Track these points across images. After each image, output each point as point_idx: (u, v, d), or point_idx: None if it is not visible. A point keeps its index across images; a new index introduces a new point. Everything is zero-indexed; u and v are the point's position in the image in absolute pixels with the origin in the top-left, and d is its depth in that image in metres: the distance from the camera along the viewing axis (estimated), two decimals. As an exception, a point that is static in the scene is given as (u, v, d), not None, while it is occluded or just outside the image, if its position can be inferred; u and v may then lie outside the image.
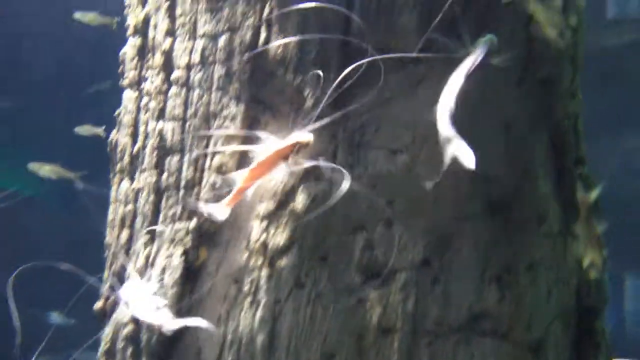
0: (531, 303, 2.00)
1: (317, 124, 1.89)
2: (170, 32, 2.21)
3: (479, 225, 1.99)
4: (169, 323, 1.88)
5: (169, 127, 2.16)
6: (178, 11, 2.20)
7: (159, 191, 2.15)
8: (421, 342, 1.90)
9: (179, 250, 2.05)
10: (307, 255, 1.93)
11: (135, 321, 2.09)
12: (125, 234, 2.23)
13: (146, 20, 2.32)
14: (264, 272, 1.95)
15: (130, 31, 2.39)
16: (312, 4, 1.96)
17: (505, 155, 2.08)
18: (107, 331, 2.19)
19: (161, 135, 2.17)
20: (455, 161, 1.78)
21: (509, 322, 1.94)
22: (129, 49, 2.37)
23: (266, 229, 1.97)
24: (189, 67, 2.15)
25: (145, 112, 2.26)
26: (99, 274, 2.30)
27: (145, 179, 2.19)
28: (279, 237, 1.96)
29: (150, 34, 2.29)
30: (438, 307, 1.91)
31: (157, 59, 2.24)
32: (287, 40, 2.02)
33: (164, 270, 2.06)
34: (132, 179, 2.28)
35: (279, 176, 1.99)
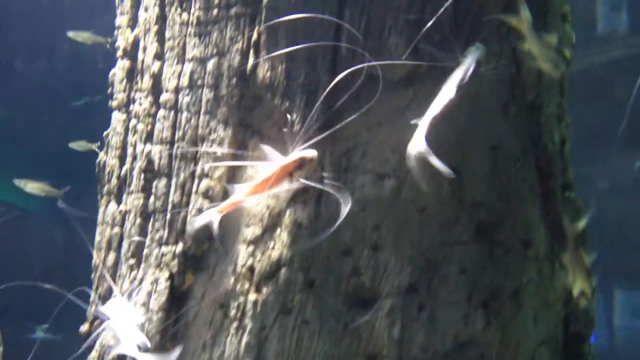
0: (518, 329, 1.99)
1: (304, 147, 1.89)
2: (159, 56, 2.21)
3: (465, 251, 1.98)
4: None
5: (156, 150, 2.16)
6: (167, 35, 2.20)
7: (145, 214, 2.15)
8: (408, 368, 1.89)
9: (165, 275, 2.05)
10: (293, 281, 1.93)
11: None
12: (111, 256, 2.23)
13: (135, 43, 2.33)
14: (250, 298, 1.94)
15: (119, 53, 2.39)
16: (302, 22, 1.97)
17: (492, 179, 2.08)
18: (93, 355, 2.17)
19: (149, 158, 2.17)
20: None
21: (496, 349, 1.94)
22: (118, 71, 2.38)
23: (253, 254, 1.97)
24: (177, 90, 2.16)
25: (134, 135, 2.26)
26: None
27: (132, 201, 2.19)
28: (266, 262, 1.95)
29: (140, 56, 2.30)
30: (424, 334, 1.91)
31: (146, 81, 2.24)
32: (283, 51, 2.03)
33: (149, 295, 2.05)
34: (119, 201, 2.27)
35: (266, 200, 1.99)
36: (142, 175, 2.17)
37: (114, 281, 2.15)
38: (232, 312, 1.94)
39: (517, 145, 2.17)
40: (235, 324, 1.93)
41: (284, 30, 2.04)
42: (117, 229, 2.23)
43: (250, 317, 1.92)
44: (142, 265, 2.10)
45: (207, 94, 2.11)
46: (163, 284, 2.04)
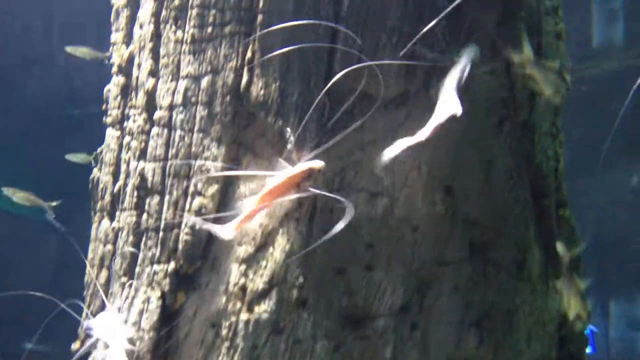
0: (510, 349, 1.99)
1: (310, 158, 1.89)
2: (154, 73, 2.21)
3: (458, 269, 1.98)
4: None
5: (150, 168, 2.16)
6: (162, 52, 2.20)
7: (138, 232, 2.14)
8: (400, 388, 1.88)
9: (157, 294, 2.04)
10: (286, 300, 1.92)
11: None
12: (104, 274, 2.22)
13: (130, 60, 2.33)
14: (242, 317, 1.93)
15: (114, 69, 2.39)
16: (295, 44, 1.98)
17: (486, 198, 2.09)
18: (84, 372, 2.16)
19: (142, 175, 2.17)
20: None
21: (489, 369, 1.93)
22: (113, 88, 2.38)
23: (245, 273, 1.96)
24: (171, 107, 2.15)
25: (127, 151, 2.26)
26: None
27: (125, 219, 2.18)
28: (258, 281, 1.95)
29: (134, 73, 2.29)
30: (417, 353, 1.90)
31: (140, 98, 2.24)
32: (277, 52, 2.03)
33: (141, 313, 2.04)
34: (112, 218, 2.26)
35: (260, 219, 1.98)
36: (135, 193, 2.16)
37: (107, 299, 2.14)
38: (224, 332, 1.93)
39: (511, 164, 2.17)
40: (226, 344, 1.92)
41: (278, 48, 2.04)
42: (109, 246, 2.22)
43: (242, 336, 1.91)
44: (134, 284, 2.09)
45: (200, 111, 2.11)
46: (155, 303, 2.03)
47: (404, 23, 2.02)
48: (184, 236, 2.05)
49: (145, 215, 2.14)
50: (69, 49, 4.14)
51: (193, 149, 2.11)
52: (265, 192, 1.89)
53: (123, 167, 2.26)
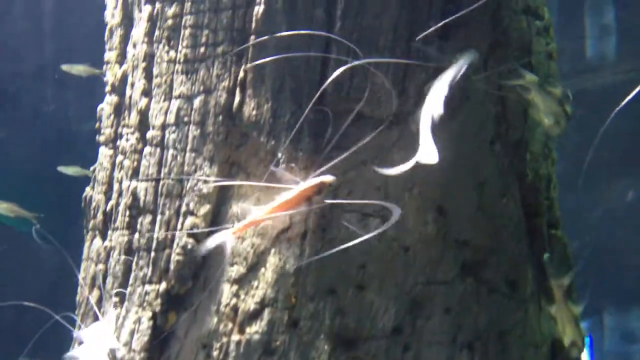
0: (503, 370, 1.99)
1: (319, 172, 1.90)
2: (147, 92, 2.22)
3: (450, 290, 1.98)
4: None
5: (142, 187, 2.16)
6: (155, 71, 2.21)
7: (130, 251, 2.14)
8: (392, 410, 1.88)
9: (148, 314, 2.03)
10: (277, 321, 1.92)
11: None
12: (95, 293, 2.21)
13: (123, 79, 2.33)
14: (234, 338, 1.93)
15: (107, 88, 2.40)
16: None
17: (478, 217, 2.09)
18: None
19: (134, 194, 2.17)
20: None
21: (480, 391, 1.93)
22: (106, 106, 2.38)
23: (236, 293, 1.96)
24: (164, 127, 2.16)
25: (120, 170, 2.26)
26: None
27: (117, 238, 2.18)
28: (250, 301, 1.95)
29: (127, 92, 2.30)
30: (409, 375, 1.90)
31: (133, 117, 2.25)
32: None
33: (132, 334, 2.03)
34: (104, 237, 2.26)
35: (251, 239, 1.99)
36: (128, 212, 2.17)
37: (98, 320, 2.14)
38: (215, 353, 1.93)
39: (503, 183, 2.18)
40: (218, 365, 1.92)
41: (270, 69, 2.06)
42: (101, 266, 2.22)
43: (234, 357, 1.91)
44: (126, 304, 2.09)
45: (193, 131, 2.12)
46: (146, 324, 2.02)
47: (396, 44, 2.04)
48: (175, 256, 2.05)
49: (137, 235, 2.14)
50: (64, 67, 4.15)
51: (185, 168, 2.11)
52: (276, 205, 1.90)
53: (115, 186, 2.26)
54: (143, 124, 2.21)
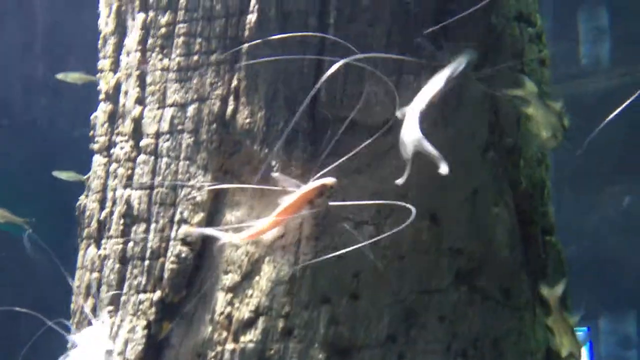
0: (498, 377, 1.99)
1: (319, 175, 1.89)
2: (140, 100, 2.22)
3: (444, 298, 1.98)
4: None
5: (136, 195, 2.16)
6: (148, 79, 2.21)
7: (124, 260, 2.13)
8: (387, 419, 1.88)
9: (142, 323, 2.03)
10: (272, 329, 1.92)
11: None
12: (90, 302, 2.20)
13: (117, 87, 2.33)
14: (228, 347, 1.92)
15: (101, 96, 2.40)
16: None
17: (471, 225, 2.09)
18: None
19: (128, 203, 2.16)
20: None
21: (475, 399, 1.93)
22: (100, 114, 2.38)
23: (231, 302, 1.96)
24: (157, 135, 2.16)
25: (114, 179, 2.25)
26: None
27: (111, 246, 2.18)
28: (244, 309, 1.94)
29: (121, 100, 2.30)
30: (404, 383, 1.90)
31: (127, 125, 2.24)
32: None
33: (126, 343, 2.03)
34: (98, 246, 2.26)
35: (245, 247, 1.98)
36: (122, 220, 2.16)
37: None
38: (210, 362, 1.92)
39: (497, 190, 2.18)
40: (212, 374, 1.92)
41: (264, 77, 2.06)
42: (95, 274, 2.21)
43: (228, 366, 1.90)
44: (120, 313, 2.09)
45: (187, 139, 2.12)
46: (140, 333, 2.02)
47: (389, 51, 2.04)
48: (169, 264, 2.04)
49: (131, 243, 2.13)
50: (59, 76, 4.15)
51: (179, 176, 2.11)
52: (281, 210, 1.90)
53: (110, 194, 2.26)
54: (137, 132, 2.21)
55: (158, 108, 2.17)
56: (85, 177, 2.43)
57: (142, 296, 2.06)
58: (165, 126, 2.15)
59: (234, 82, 2.08)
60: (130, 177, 2.20)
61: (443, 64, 1.98)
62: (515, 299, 2.10)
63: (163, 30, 2.18)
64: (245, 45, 2.06)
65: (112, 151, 2.30)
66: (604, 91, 6.34)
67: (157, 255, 2.07)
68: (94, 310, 2.20)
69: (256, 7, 2.05)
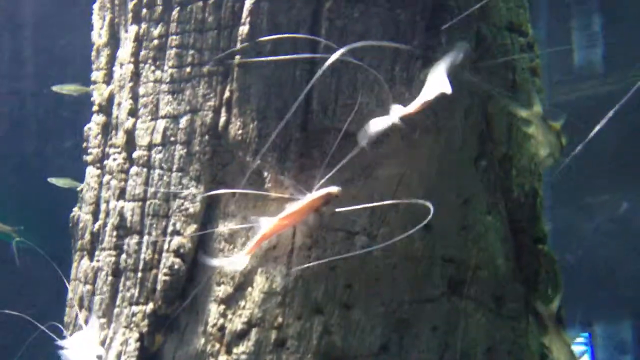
0: (491, 387, 1.99)
1: (318, 191, 1.90)
2: (133, 112, 2.22)
3: (437, 308, 1.99)
4: None
5: (129, 207, 2.16)
6: (141, 91, 2.22)
7: (117, 272, 2.13)
8: None
9: (135, 335, 2.03)
10: (265, 341, 1.92)
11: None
12: (83, 314, 2.21)
13: (110, 99, 2.34)
14: (221, 359, 1.92)
15: (95, 108, 2.40)
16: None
17: (464, 234, 2.10)
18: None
19: (121, 214, 2.17)
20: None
21: (468, 408, 1.93)
22: (93, 126, 2.39)
23: (224, 313, 1.96)
24: (150, 147, 2.16)
25: (107, 190, 2.26)
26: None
27: (104, 258, 2.18)
28: (237, 321, 1.94)
29: (114, 112, 2.31)
30: (397, 393, 1.90)
31: (120, 137, 2.25)
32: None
33: (119, 356, 2.03)
34: (92, 258, 2.26)
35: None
36: (115, 232, 2.16)
37: (85, 340, 2.13)
38: (203, 374, 1.92)
39: (489, 199, 2.19)
40: (205, 386, 1.92)
41: (256, 88, 2.06)
42: (89, 286, 2.21)
43: (221, 378, 1.90)
44: (113, 325, 2.09)
45: (179, 150, 2.12)
46: (133, 345, 2.02)
47: (381, 63, 2.05)
48: (162, 276, 2.04)
49: (124, 255, 2.13)
50: (55, 88, 4.15)
51: (172, 188, 2.11)
52: (284, 216, 1.91)
53: (103, 206, 2.26)
54: (130, 144, 2.22)
55: (151, 120, 2.18)
56: (79, 188, 2.43)
57: (134, 308, 2.06)
58: (158, 138, 2.15)
59: (226, 94, 2.09)
60: (123, 189, 2.20)
61: (437, 58, 1.99)
62: (508, 308, 2.10)
63: (155, 42, 2.18)
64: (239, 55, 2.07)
65: (105, 163, 2.31)
66: (599, 97, 6.36)
67: (150, 267, 2.08)
68: (87, 322, 2.20)
69: (248, 19, 2.06)
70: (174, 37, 2.16)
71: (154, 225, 2.10)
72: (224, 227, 2.05)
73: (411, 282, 1.98)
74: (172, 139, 2.13)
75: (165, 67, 2.17)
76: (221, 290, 1.98)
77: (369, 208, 1.99)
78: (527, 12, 2.42)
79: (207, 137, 2.09)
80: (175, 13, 2.16)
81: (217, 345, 1.94)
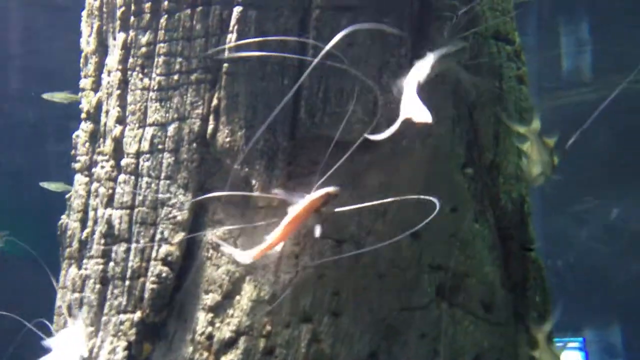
0: (479, 394, 1.99)
1: (316, 192, 1.90)
2: (121, 120, 2.22)
3: (425, 315, 1.99)
4: None
5: (117, 215, 2.15)
6: (129, 99, 2.21)
7: (105, 280, 2.12)
8: None
9: (123, 344, 2.02)
10: (253, 349, 1.91)
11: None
12: (71, 323, 2.19)
13: (98, 106, 2.33)
14: (209, 367, 1.92)
15: (83, 115, 2.40)
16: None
17: (451, 242, 2.10)
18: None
19: (109, 222, 2.16)
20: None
21: (456, 416, 1.94)
22: (81, 134, 2.38)
23: (212, 321, 1.96)
24: (138, 154, 2.16)
25: (95, 198, 2.25)
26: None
27: (92, 266, 2.17)
28: (225, 329, 1.94)
29: (102, 120, 2.30)
30: (385, 401, 1.90)
31: (108, 145, 2.24)
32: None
33: (107, 365, 2.02)
34: (80, 266, 2.25)
35: (226, 267, 1.98)
36: (102, 240, 2.16)
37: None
38: (191, 383, 1.92)
39: (476, 207, 2.19)
40: (193, 395, 1.91)
41: (244, 96, 2.07)
42: (77, 294, 2.20)
43: (209, 387, 1.90)
44: (101, 334, 2.08)
45: (167, 158, 2.12)
46: (120, 354, 2.01)
47: (368, 73, 2.05)
48: (150, 284, 2.04)
49: (112, 263, 2.13)
50: (45, 95, 4.15)
51: (160, 195, 2.11)
52: (288, 221, 1.91)
53: (91, 213, 2.25)
54: (118, 152, 2.21)
55: (139, 127, 2.18)
56: (67, 196, 2.42)
57: (122, 317, 2.05)
58: (145, 145, 2.15)
59: (214, 102, 2.09)
60: (111, 197, 2.19)
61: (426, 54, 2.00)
62: (496, 314, 2.10)
63: (143, 49, 2.18)
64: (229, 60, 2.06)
65: (93, 170, 2.30)
66: (587, 103, 6.40)
67: (138, 275, 2.07)
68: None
69: (235, 27, 2.06)
70: (162, 44, 2.16)
71: (142, 233, 2.10)
72: (212, 235, 2.05)
73: (399, 290, 1.98)
74: (160, 146, 2.13)
75: (153, 75, 2.17)
76: (209, 299, 1.98)
77: (358, 215, 2.00)
78: (514, 21, 2.44)
79: (194, 145, 2.09)
80: (163, 21, 2.16)
81: (206, 354, 1.93)
